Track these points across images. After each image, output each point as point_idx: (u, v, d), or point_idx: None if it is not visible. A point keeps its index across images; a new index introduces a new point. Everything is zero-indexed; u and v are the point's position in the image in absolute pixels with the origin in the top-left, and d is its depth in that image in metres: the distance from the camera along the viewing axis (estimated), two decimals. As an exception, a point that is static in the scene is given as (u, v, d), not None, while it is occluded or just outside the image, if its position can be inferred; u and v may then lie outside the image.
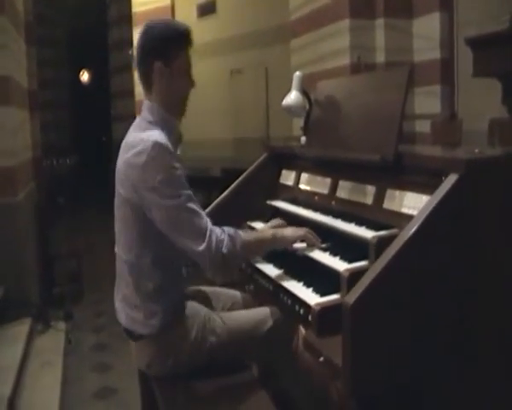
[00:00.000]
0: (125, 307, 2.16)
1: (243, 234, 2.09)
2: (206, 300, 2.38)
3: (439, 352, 1.65)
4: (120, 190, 2.09)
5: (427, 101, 4.42)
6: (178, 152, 2.20)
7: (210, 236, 1.96)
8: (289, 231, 2.18)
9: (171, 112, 2.17)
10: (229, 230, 2.03)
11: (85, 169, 11.64)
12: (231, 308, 2.41)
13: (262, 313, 2.27)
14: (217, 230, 2.00)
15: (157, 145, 1.96)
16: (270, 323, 2.20)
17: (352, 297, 1.50)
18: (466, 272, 1.67)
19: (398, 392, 1.61)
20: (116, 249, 2.20)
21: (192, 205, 1.98)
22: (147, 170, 1.96)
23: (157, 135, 2.00)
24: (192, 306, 2.22)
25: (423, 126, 4.37)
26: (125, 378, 3.74)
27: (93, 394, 3.78)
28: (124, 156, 2.06)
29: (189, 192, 2.00)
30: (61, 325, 4.64)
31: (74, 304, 5.13)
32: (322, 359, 1.69)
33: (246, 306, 2.42)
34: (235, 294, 2.51)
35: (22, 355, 3.93)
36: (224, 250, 1.96)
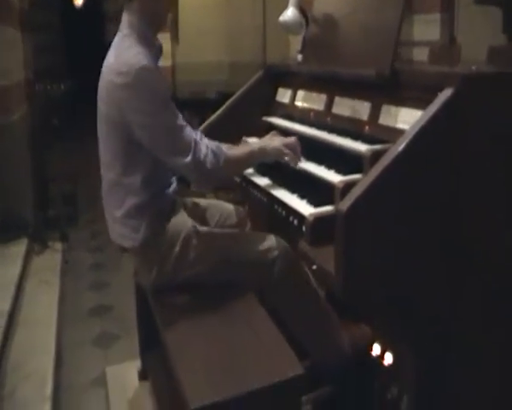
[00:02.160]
0: (113, 224, 2.22)
1: (228, 150, 2.12)
2: (199, 212, 2.41)
3: (428, 262, 1.68)
4: (103, 108, 2.10)
5: (427, 28, 4.34)
6: (160, 63, 2.19)
7: (195, 150, 2.00)
8: (276, 143, 2.19)
9: (151, 26, 2.14)
10: (211, 145, 2.06)
11: (80, 94, 11.49)
12: (224, 222, 2.45)
13: (258, 236, 2.28)
14: (202, 145, 2.02)
15: (141, 69, 1.95)
16: (263, 246, 2.21)
17: (345, 204, 1.52)
18: (456, 189, 1.69)
19: (389, 299, 1.65)
20: (101, 168, 2.23)
21: (176, 121, 2.01)
22: (131, 92, 1.96)
23: (141, 58, 1.99)
24: (178, 220, 2.24)
25: (421, 54, 4.31)
26: (122, 295, 3.79)
27: (90, 310, 3.85)
28: (107, 78, 2.06)
29: (173, 109, 2.02)
30: (58, 246, 4.69)
31: (70, 226, 5.16)
32: (315, 267, 1.73)
33: (239, 220, 2.45)
34: (229, 207, 2.54)
35: (20, 274, 3.99)
36: (208, 165, 2.01)
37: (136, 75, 1.94)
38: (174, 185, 2.30)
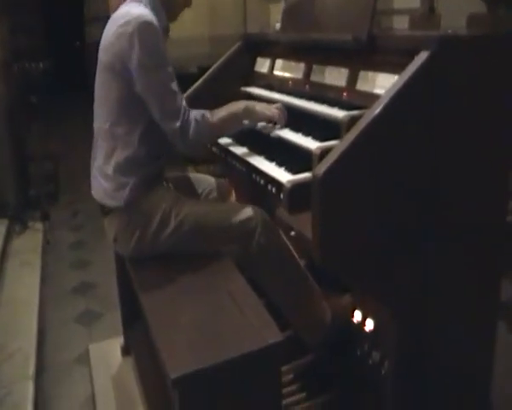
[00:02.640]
0: (99, 177, 2.20)
1: (213, 116, 2.14)
2: (182, 185, 2.41)
3: (405, 226, 1.68)
4: (104, 58, 2.10)
5: (407, -3, 4.33)
6: None
7: (183, 118, 2.03)
8: (260, 105, 2.21)
9: (167, 10, 2.20)
10: (196, 115, 2.08)
11: (59, 73, 11.35)
12: (208, 196, 2.46)
13: (237, 207, 2.28)
14: (190, 114, 2.06)
15: (147, 22, 1.99)
16: (242, 216, 2.20)
17: (321, 169, 1.50)
18: (432, 152, 1.68)
19: (367, 263, 1.65)
20: (94, 121, 2.22)
21: (172, 83, 2.04)
22: (134, 42, 1.98)
23: (148, 14, 2.03)
24: (162, 189, 2.25)
25: (402, 23, 4.30)
26: (104, 273, 3.77)
27: (72, 289, 3.83)
28: (112, 28, 2.08)
29: (171, 71, 2.05)
30: (39, 226, 4.65)
31: (51, 205, 5.11)
32: (293, 233, 1.72)
33: (221, 192, 2.45)
34: (212, 181, 2.54)
35: (0, 255, 3.96)
36: (192, 135, 2.04)
37: (140, 27, 1.97)
38: (163, 157, 2.29)
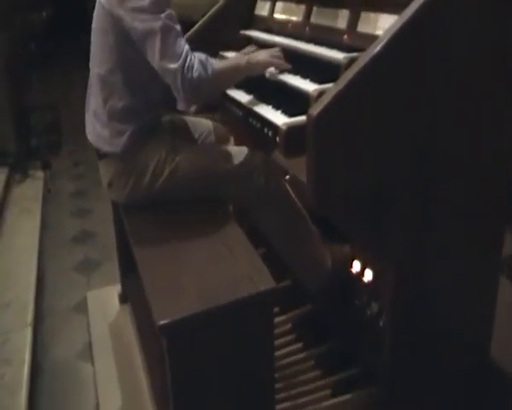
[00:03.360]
0: (94, 122, 2.15)
1: (215, 62, 2.04)
2: (178, 129, 2.36)
3: (401, 170, 1.61)
4: (104, 1, 2.01)
5: None
6: None
7: (185, 57, 1.92)
8: (262, 55, 2.11)
9: None
10: (200, 55, 1.98)
11: (60, 21, 11.16)
12: (205, 139, 2.41)
13: (234, 149, 2.22)
14: (192, 55, 1.96)
15: None
16: (239, 158, 2.15)
17: (315, 109, 1.44)
18: (431, 95, 1.59)
19: (363, 208, 1.59)
20: (90, 65, 2.16)
21: (174, 26, 1.95)
22: None
23: None
24: (159, 136, 2.19)
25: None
26: (104, 222, 3.70)
27: (72, 237, 3.82)
28: None
29: (173, 15, 1.96)
30: (39, 175, 4.61)
31: (52, 155, 5.06)
32: (288, 177, 1.66)
33: (220, 137, 2.40)
34: (210, 125, 2.49)
35: (0, 203, 3.93)
36: (195, 74, 1.92)
37: None
38: (161, 105, 2.25)
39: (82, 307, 3.01)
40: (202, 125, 2.48)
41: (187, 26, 2.64)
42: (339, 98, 1.44)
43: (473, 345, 2.02)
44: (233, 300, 1.57)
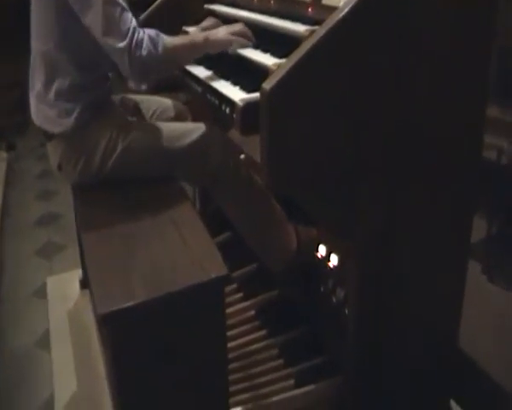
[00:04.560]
0: (39, 104, 2.03)
1: (168, 38, 1.91)
2: (131, 106, 2.25)
3: (362, 144, 1.50)
4: None
5: None
6: None
7: (133, 34, 1.79)
8: (222, 32, 1.97)
9: None
10: (150, 32, 1.85)
11: None
12: (161, 116, 2.28)
13: (190, 126, 2.12)
14: (139, 31, 1.83)
15: None
16: (195, 135, 2.05)
17: (269, 83, 1.33)
18: (398, 74, 1.49)
19: (320, 187, 1.49)
20: (32, 41, 2.03)
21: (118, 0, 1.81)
22: None
23: None
24: (110, 112, 2.09)
25: None
26: (71, 205, 3.61)
27: (36, 220, 3.69)
28: None
29: None
30: (3, 156, 4.46)
31: (19, 135, 4.90)
32: (242, 156, 1.56)
33: (177, 114, 2.29)
34: (167, 102, 2.37)
35: (-38, 185, 3.80)
36: (144, 52, 1.80)
37: None
38: (109, 81, 2.14)
39: (43, 293, 2.91)
40: (157, 102, 2.37)
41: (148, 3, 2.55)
42: (294, 71, 1.34)
43: (441, 334, 1.94)
44: (181, 288, 1.46)
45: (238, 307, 2.38)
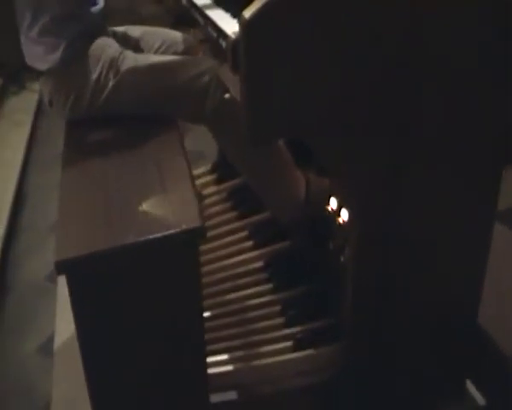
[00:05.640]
0: (26, 41, 1.90)
1: None
2: (133, 39, 2.08)
3: (368, 78, 1.29)
4: None
5: None
6: None
7: None
8: None
9: None
10: None
11: None
12: (167, 50, 2.12)
13: (190, 59, 1.96)
14: None
15: None
16: (193, 71, 1.87)
17: (249, 11, 1.14)
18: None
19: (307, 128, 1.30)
20: None
21: None
22: None
23: None
24: (103, 42, 1.91)
25: None
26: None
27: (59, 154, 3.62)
28: None
29: None
30: (36, 87, 4.37)
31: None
32: (227, 95, 1.38)
33: (186, 47, 2.13)
34: (175, 35, 2.19)
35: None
36: None
37: None
38: (100, 5, 1.96)
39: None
40: (164, 35, 2.18)
41: None
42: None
43: (457, 305, 1.73)
44: (146, 239, 1.32)
45: (246, 256, 2.24)
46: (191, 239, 1.36)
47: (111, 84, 1.84)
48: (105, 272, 1.35)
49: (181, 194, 1.48)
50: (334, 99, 1.26)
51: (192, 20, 2.00)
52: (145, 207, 1.43)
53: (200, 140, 2.75)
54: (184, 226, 1.34)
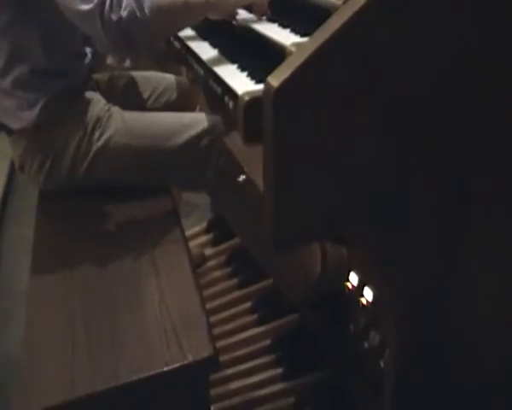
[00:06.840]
0: None
1: None
2: (119, 88, 1.83)
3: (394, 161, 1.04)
4: None
5: None
6: None
7: None
8: None
9: None
10: None
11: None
12: (159, 99, 1.91)
13: (187, 118, 1.69)
14: None
15: None
16: (194, 130, 1.64)
17: (277, 78, 0.89)
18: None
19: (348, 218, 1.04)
20: None
21: None
22: None
23: None
24: (88, 100, 1.66)
25: None
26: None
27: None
28: None
29: None
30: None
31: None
32: (242, 178, 1.13)
33: (181, 95, 1.88)
34: (169, 80, 1.97)
35: None
36: (124, 13, 1.32)
37: None
38: (88, 58, 1.72)
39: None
40: (157, 80, 1.93)
41: None
42: (311, 63, 0.89)
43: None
44: (142, 376, 1.03)
45: (251, 333, 1.98)
46: (202, 372, 1.07)
47: (94, 149, 1.58)
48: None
49: (185, 308, 1.16)
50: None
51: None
52: (136, 330, 1.11)
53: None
54: (191, 357, 1.04)
